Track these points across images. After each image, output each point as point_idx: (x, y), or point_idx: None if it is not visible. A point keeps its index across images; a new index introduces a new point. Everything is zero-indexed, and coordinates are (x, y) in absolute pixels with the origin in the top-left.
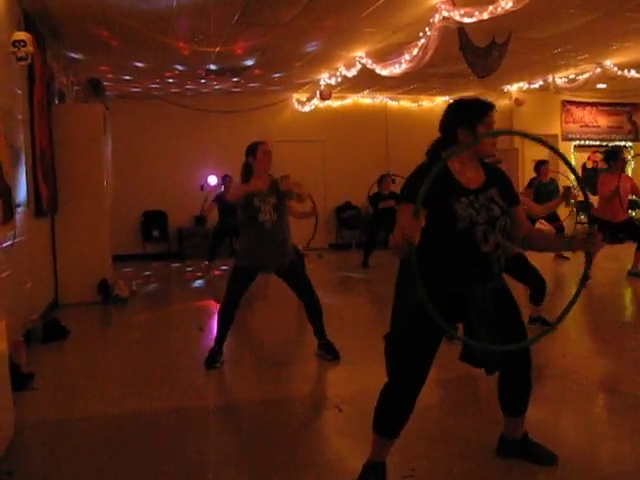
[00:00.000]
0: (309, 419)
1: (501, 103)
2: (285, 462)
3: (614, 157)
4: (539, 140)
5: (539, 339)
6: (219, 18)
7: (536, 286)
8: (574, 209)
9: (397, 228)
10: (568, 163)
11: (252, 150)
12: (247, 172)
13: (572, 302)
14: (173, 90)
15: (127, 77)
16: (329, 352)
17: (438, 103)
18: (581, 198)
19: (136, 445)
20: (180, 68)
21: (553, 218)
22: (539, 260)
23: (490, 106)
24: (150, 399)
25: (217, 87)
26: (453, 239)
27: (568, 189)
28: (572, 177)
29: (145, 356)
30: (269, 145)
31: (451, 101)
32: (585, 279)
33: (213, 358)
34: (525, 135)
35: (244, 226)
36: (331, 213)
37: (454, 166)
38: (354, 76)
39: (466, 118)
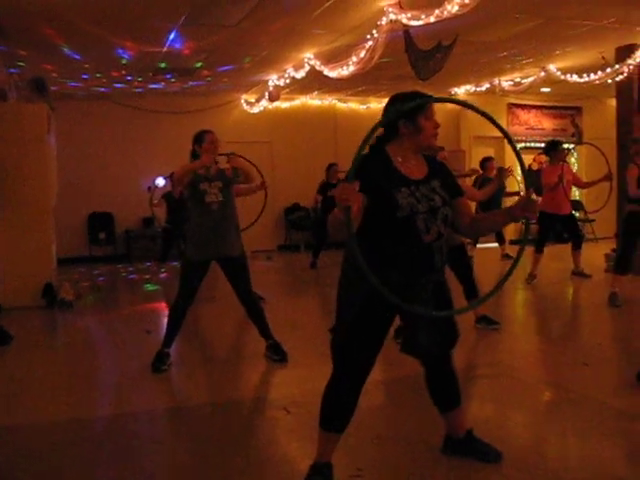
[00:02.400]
0: (257, 421)
1: (449, 105)
2: (234, 464)
3: (554, 148)
4: (482, 113)
5: (464, 312)
6: (166, 18)
7: (467, 283)
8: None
9: (336, 199)
10: (508, 136)
11: (199, 138)
12: (194, 160)
13: (510, 270)
14: (120, 90)
15: (72, 76)
16: (277, 353)
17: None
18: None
19: (81, 452)
20: (127, 68)
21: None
22: (486, 261)
23: (429, 97)
24: (96, 405)
25: (165, 88)
26: (394, 228)
27: (501, 169)
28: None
29: (91, 361)
30: (216, 134)
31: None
32: (525, 242)
33: (161, 360)
34: (469, 106)
35: (191, 210)
36: (279, 214)
37: (396, 158)
38: (303, 77)
39: (406, 110)
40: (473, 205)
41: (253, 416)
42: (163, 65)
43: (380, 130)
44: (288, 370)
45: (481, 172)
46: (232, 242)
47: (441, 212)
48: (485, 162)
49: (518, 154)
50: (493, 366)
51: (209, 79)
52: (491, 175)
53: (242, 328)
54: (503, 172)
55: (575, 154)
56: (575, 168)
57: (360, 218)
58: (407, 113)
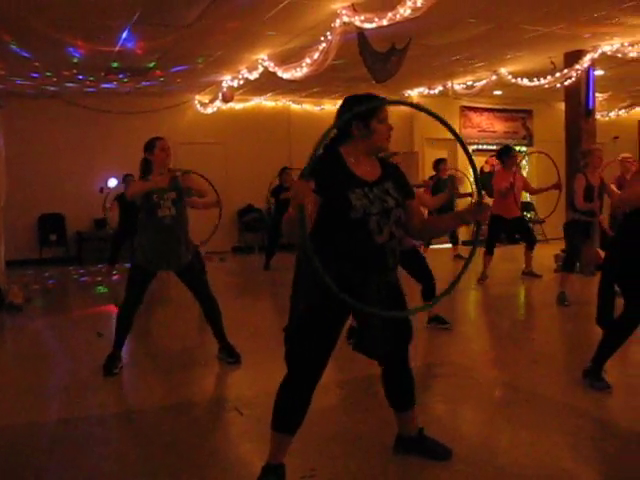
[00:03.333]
0: (210, 423)
1: (402, 108)
2: (186, 467)
3: (507, 154)
4: (436, 116)
5: (419, 311)
6: (118, 17)
7: (426, 282)
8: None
9: (290, 201)
10: (460, 139)
11: (150, 146)
12: (146, 168)
13: (463, 270)
14: (72, 90)
15: (21, 74)
16: (230, 355)
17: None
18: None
19: (30, 458)
20: (79, 67)
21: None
22: (439, 261)
23: (382, 100)
24: (46, 409)
25: (117, 88)
26: (348, 229)
27: (452, 178)
28: (471, 173)
29: (41, 365)
30: (167, 141)
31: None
32: (476, 244)
33: (112, 363)
34: (423, 109)
35: (143, 223)
36: (233, 216)
37: (350, 159)
38: (256, 79)
39: (359, 112)
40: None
41: (206, 418)
42: (115, 65)
43: (334, 131)
44: (241, 371)
45: (430, 183)
46: (182, 254)
47: (394, 214)
48: (438, 164)
49: (470, 157)
50: (444, 366)
51: (162, 79)
52: (444, 176)
53: (196, 329)
54: (455, 180)
55: (527, 157)
56: (526, 171)
57: (314, 218)
58: (360, 116)
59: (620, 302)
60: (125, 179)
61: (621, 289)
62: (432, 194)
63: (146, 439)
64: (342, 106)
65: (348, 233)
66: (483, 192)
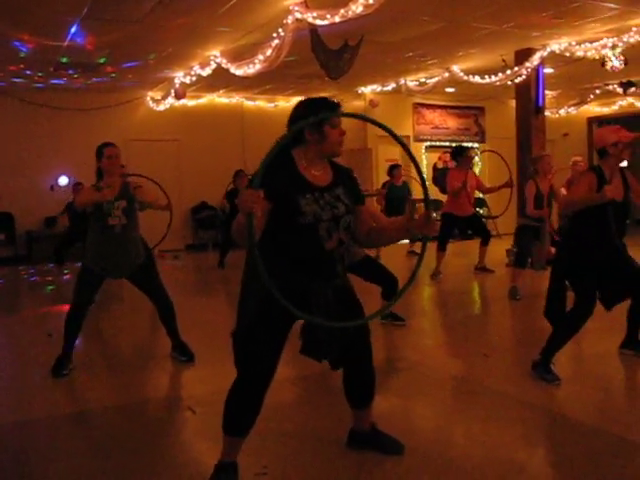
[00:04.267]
0: (163, 422)
1: (356, 104)
2: (139, 468)
3: (461, 154)
4: (381, 126)
5: (377, 316)
6: (67, 11)
7: (388, 283)
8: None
9: (240, 206)
10: (407, 149)
11: (98, 153)
12: (99, 174)
13: (410, 280)
14: (21, 85)
15: None
16: (183, 353)
17: (294, 103)
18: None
19: None
20: (26, 62)
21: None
22: (392, 257)
23: (336, 105)
24: None
25: (68, 83)
26: (297, 234)
27: (413, 203)
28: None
29: None
30: (116, 147)
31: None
32: (421, 259)
33: (61, 365)
34: (369, 120)
35: (93, 229)
36: (187, 213)
37: (301, 164)
38: (209, 75)
39: (311, 115)
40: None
41: (159, 417)
42: (65, 60)
43: (286, 133)
44: (194, 370)
45: (383, 192)
46: (132, 261)
47: (344, 220)
48: (393, 170)
49: (419, 171)
50: (398, 361)
51: (113, 75)
52: (398, 183)
53: (149, 328)
54: (414, 206)
55: (480, 164)
56: (479, 168)
57: (263, 223)
58: (313, 122)
59: (572, 297)
60: (75, 189)
61: (570, 285)
62: (386, 200)
63: (97, 440)
64: (296, 110)
65: (297, 238)
66: (431, 209)
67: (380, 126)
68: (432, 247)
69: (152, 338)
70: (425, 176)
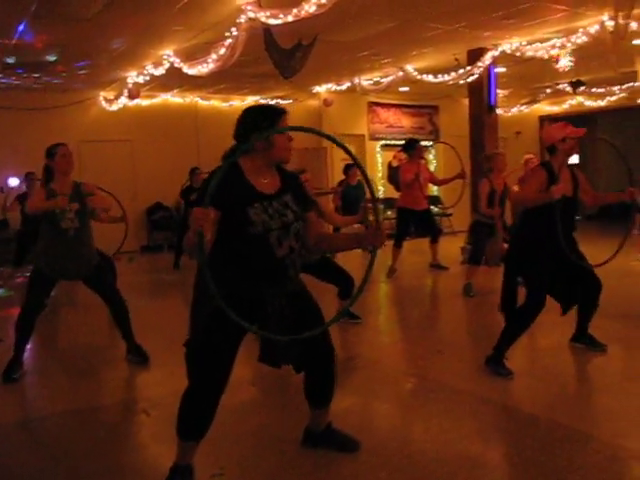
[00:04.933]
0: (117, 426)
1: (311, 104)
2: (94, 472)
3: (412, 146)
4: (326, 136)
5: (335, 322)
6: (14, 8)
7: (344, 283)
8: (381, 205)
9: (190, 223)
10: (351, 154)
11: (51, 153)
12: (48, 175)
13: (359, 290)
14: None
15: None
16: (138, 355)
17: (249, 103)
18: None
19: None
20: None
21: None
22: (348, 255)
23: (281, 111)
24: None
25: (18, 83)
26: (247, 244)
27: (366, 209)
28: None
29: None
30: (69, 147)
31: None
32: (370, 268)
33: (11, 370)
34: (313, 131)
35: (45, 232)
36: (141, 214)
37: (249, 172)
38: (162, 74)
39: (259, 123)
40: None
41: (113, 421)
42: (13, 59)
43: (233, 142)
44: (150, 373)
45: (338, 190)
46: (84, 265)
47: (293, 227)
48: (348, 169)
49: (367, 180)
50: (354, 359)
51: (65, 75)
52: (353, 182)
53: (104, 332)
54: (366, 213)
55: (433, 151)
56: (433, 165)
57: (214, 233)
58: (259, 127)
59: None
60: (27, 177)
61: (523, 280)
62: (341, 200)
63: (49, 446)
64: (244, 117)
65: (248, 248)
66: (380, 219)
67: (322, 135)
68: (389, 244)
69: (107, 341)
70: (380, 174)
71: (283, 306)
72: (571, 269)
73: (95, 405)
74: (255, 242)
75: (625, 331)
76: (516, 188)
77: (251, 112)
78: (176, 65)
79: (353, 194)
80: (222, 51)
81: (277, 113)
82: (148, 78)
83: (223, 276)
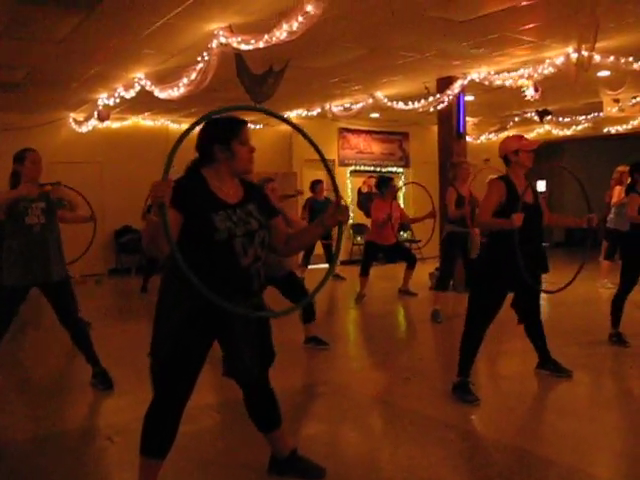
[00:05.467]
0: (79, 453)
1: (282, 129)
2: None
3: (385, 185)
4: (282, 118)
5: (288, 313)
6: None
7: (307, 306)
8: (351, 231)
9: (150, 196)
10: (323, 158)
11: (20, 158)
12: (15, 180)
13: (324, 280)
14: None
15: None
16: (103, 381)
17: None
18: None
19: None
20: None
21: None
22: (317, 281)
23: (243, 122)
24: None
25: None
26: (212, 251)
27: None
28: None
29: None
30: (39, 154)
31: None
32: (338, 250)
33: None
34: (268, 112)
35: (9, 234)
36: (110, 237)
37: (212, 182)
38: (133, 97)
39: (220, 134)
40: None
41: (75, 448)
42: None
43: (196, 154)
44: (114, 398)
45: (302, 193)
46: (53, 267)
47: (258, 235)
48: (315, 185)
49: (334, 183)
50: (321, 385)
51: (34, 96)
52: (320, 198)
53: (68, 356)
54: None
55: (403, 188)
56: (402, 195)
57: (176, 234)
58: (221, 138)
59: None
60: None
61: (470, 292)
62: (309, 215)
63: (5, 474)
64: (204, 130)
65: (213, 255)
66: (339, 196)
67: (281, 118)
68: (356, 272)
69: (71, 366)
70: (349, 200)
71: (249, 318)
72: (525, 289)
73: (56, 432)
74: (220, 249)
75: (590, 357)
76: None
77: (212, 123)
78: (147, 88)
79: (320, 210)
80: (193, 75)
81: (238, 123)
82: (118, 100)
83: (186, 287)
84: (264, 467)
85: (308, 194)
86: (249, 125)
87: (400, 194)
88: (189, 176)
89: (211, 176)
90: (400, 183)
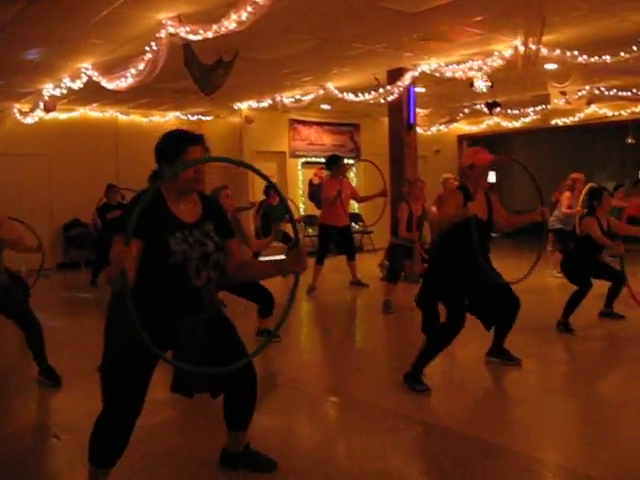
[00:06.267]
0: (26, 452)
1: (232, 120)
2: None
3: (335, 163)
4: (238, 163)
5: (259, 352)
6: None
7: (264, 301)
8: (302, 223)
9: (112, 261)
10: (254, 169)
11: None
12: None
13: (285, 313)
14: None
15: None
16: (50, 378)
17: (170, 119)
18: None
19: None
20: None
21: (286, 239)
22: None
23: (190, 141)
24: None
25: None
26: (166, 273)
27: (278, 231)
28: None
29: None
30: None
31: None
32: (294, 293)
33: None
34: (222, 160)
35: None
36: (58, 231)
37: (170, 199)
38: (80, 88)
39: (166, 152)
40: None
41: (21, 448)
42: None
43: (155, 167)
44: (62, 395)
45: (257, 204)
46: None
47: (213, 258)
48: (268, 189)
49: (288, 209)
50: (273, 378)
51: None
52: (274, 202)
53: (12, 354)
54: (279, 232)
55: (354, 169)
56: (354, 182)
57: (136, 264)
58: (166, 156)
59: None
60: None
61: (442, 302)
62: (261, 220)
63: None
64: (160, 143)
65: (166, 277)
66: (300, 245)
67: (233, 162)
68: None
69: (17, 364)
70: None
71: (197, 335)
72: (489, 287)
73: (3, 432)
74: (173, 271)
75: (539, 345)
76: (434, 209)
77: (163, 140)
78: (94, 79)
79: (274, 214)
80: (142, 66)
81: (183, 144)
82: (65, 91)
83: (138, 305)
84: (212, 460)
85: (261, 196)
86: (199, 116)
87: (352, 175)
88: (150, 195)
89: (169, 192)
90: (351, 161)
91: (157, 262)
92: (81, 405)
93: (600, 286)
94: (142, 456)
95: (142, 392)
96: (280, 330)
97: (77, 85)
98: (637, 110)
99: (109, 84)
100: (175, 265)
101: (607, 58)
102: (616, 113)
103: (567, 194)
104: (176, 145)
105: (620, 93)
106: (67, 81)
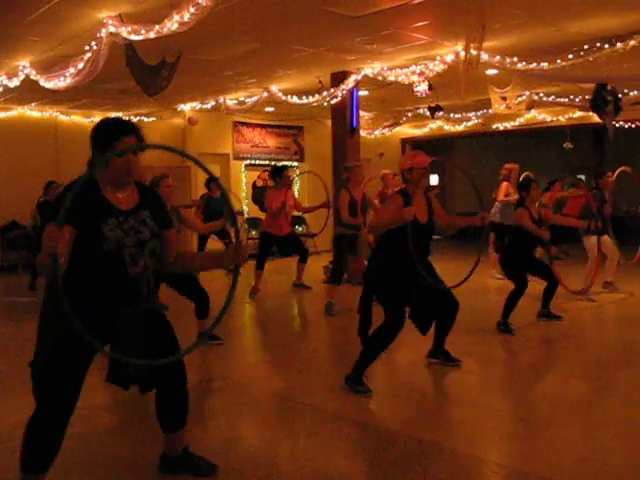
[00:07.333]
0: None
1: (175, 122)
2: None
3: (279, 174)
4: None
5: (193, 349)
6: None
7: (199, 300)
8: (246, 225)
9: (43, 245)
10: (197, 161)
11: None
12: None
13: (223, 311)
14: None
15: None
16: None
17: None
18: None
19: None
20: None
21: (224, 236)
22: (212, 274)
23: (123, 132)
24: None
25: None
26: (100, 260)
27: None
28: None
29: None
30: None
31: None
32: (233, 289)
33: None
34: (154, 146)
35: None
36: None
37: (105, 186)
38: (18, 86)
39: (98, 140)
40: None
41: None
42: None
43: (90, 155)
44: None
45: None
46: None
47: (149, 246)
48: (209, 182)
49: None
50: (216, 381)
51: None
52: (215, 195)
53: None
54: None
55: (298, 182)
56: (297, 189)
57: (68, 252)
58: (98, 145)
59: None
60: None
61: (379, 303)
62: (203, 213)
63: None
64: (94, 130)
65: (101, 265)
66: (242, 238)
67: (172, 150)
68: (251, 264)
69: None
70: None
71: (134, 325)
72: (427, 291)
73: None
74: (108, 259)
75: (479, 346)
76: (376, 201)
77: (96, 128)
78: (32, 77)
79: (215, 206)
80: (81, 65)
81: (115, 133)
82: (1, 89)
83: (74, 294)
84: (151, 465)
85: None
86: (141, 117)
87: (295, 187)
88: (83, 180)
89: (103, 180)
90: (296, 173)
91: (91, 249)
92: (17, 412)
93: (537, 288)
94: (79, 462)
95: (78, 386)
96: (222, 332)
97: (14, 83)
98: (574, 116)
99: (47, 83)
100: (109, 252)
101: (545, 65)
102: (555, 119)
103: (504, 184)
104: (109, 134)
105: (558, 99)
106: (4, 79)
